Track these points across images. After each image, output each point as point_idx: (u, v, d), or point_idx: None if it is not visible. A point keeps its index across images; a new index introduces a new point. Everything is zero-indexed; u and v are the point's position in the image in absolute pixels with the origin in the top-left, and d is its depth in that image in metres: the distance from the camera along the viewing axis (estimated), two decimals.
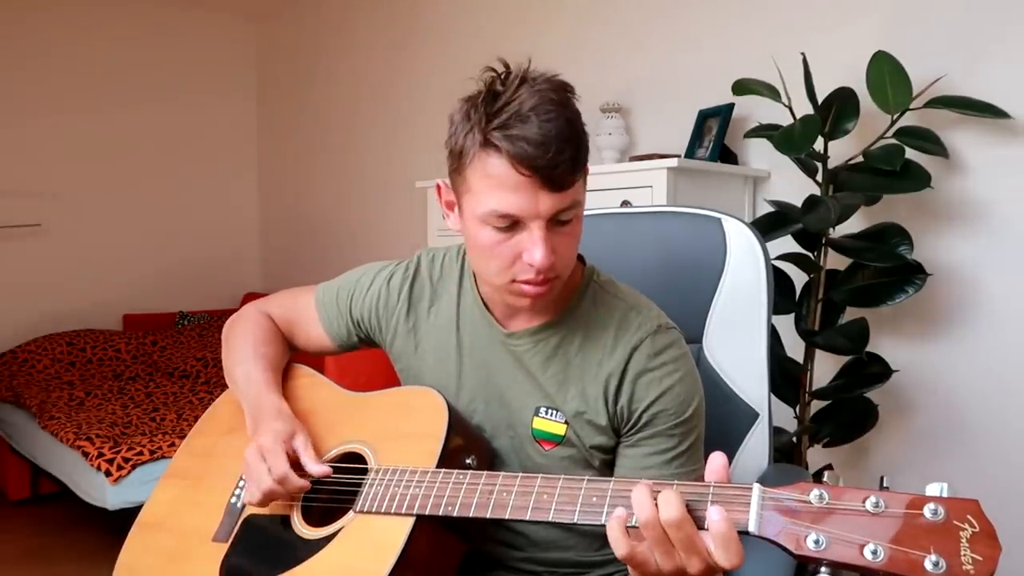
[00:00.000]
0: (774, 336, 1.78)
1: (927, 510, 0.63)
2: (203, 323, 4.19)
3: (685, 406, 0.99)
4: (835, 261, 1.86)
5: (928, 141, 1.74)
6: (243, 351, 1.18)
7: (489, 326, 1.07)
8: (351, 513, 0.96)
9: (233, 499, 1.08)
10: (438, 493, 0.90)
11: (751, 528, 0.69)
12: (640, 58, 2.54)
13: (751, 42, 2.23)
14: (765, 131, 1.89)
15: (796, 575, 0.97)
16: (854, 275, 1.83)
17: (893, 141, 1.75)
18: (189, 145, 4.40)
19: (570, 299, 1.05)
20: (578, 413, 1.01)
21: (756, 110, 2.16)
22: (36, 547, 2.91)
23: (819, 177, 1.87)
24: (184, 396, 3.40)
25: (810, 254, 1.87)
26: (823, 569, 0.65)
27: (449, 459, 0.95)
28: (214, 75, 4.49)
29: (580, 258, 1.07)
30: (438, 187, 1.04)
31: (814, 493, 0.67)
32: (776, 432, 1.66)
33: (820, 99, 1.85)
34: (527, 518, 0.84)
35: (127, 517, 1.19)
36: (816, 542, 0.65)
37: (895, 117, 1.75)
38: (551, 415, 1.02)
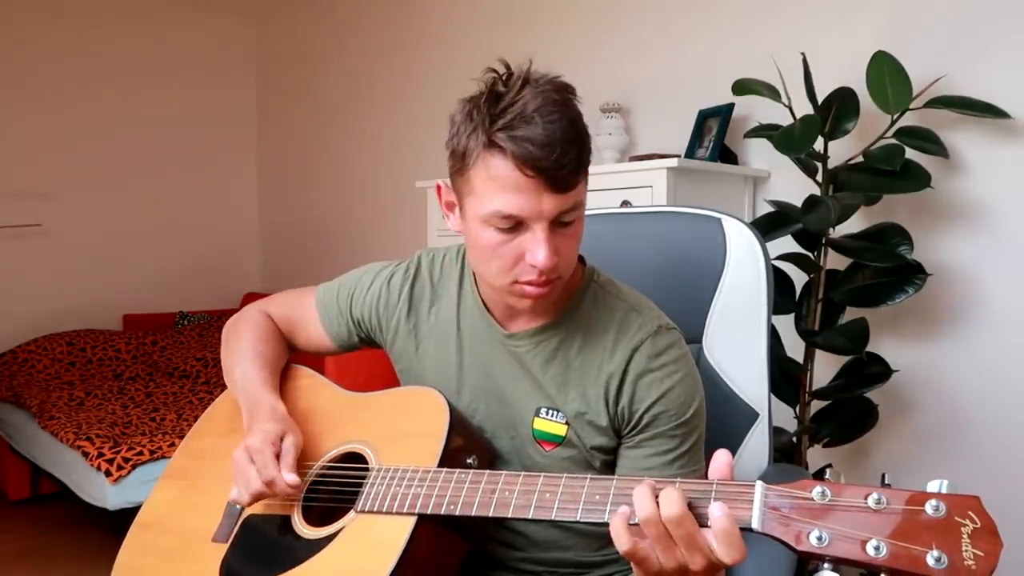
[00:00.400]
0: (774, 336, 1.78)
1: (929, 506, 0.63)
2: (203, 323, 4.19)
3: (686, 407, 0.99)
4: (835, 261, 1.86)
5: (928, 141, 1.74)
6: (242, 351, 1.18)
7: (489, 327, 1.07)
8: (352, 513, 0.96)
9: None
10: (440, 492, 0.90)
11: (754, 524, 0.69)
12: (640, 58, 2.55)
13: (751, 42, 2.23)
14: (765, 131, 1.89)
15: (798, 571, 0.97)
16: (854, 275, 1.83)
17: (893, 141, 1.75)
18: (189, 145, 4.40)
19: (570, 300, 1.05)
20: (579, 414, 1.01)
21: (756, 110, 2.16)
22: (36, 547, 2.91)
23: (819, 177, 1.87)
24: (184, 396, 3.40)
25: (810, 254, 1.87)
26: (825, 565, 0.65)
27: (450, 459, 0.95)
28: (214, 75, 4.49)
29: (580, 258, 1.07)
30: (438, 188, 1.03)
31: (816, 490, 0.68)
32: (776, 432, 1.66)
33: (820, 99, 1.85)
34: (530, 517, 0.84)
35: (127, 517, 1.18)
36: (819, 538, 0.65)
37: (895, 117, 1.76)
38: (552, 416, 1.02)
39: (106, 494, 2.50)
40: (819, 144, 1.83)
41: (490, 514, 0.86)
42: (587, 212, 1.07)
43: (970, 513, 0.62)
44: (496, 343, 1.06)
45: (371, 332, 1.18)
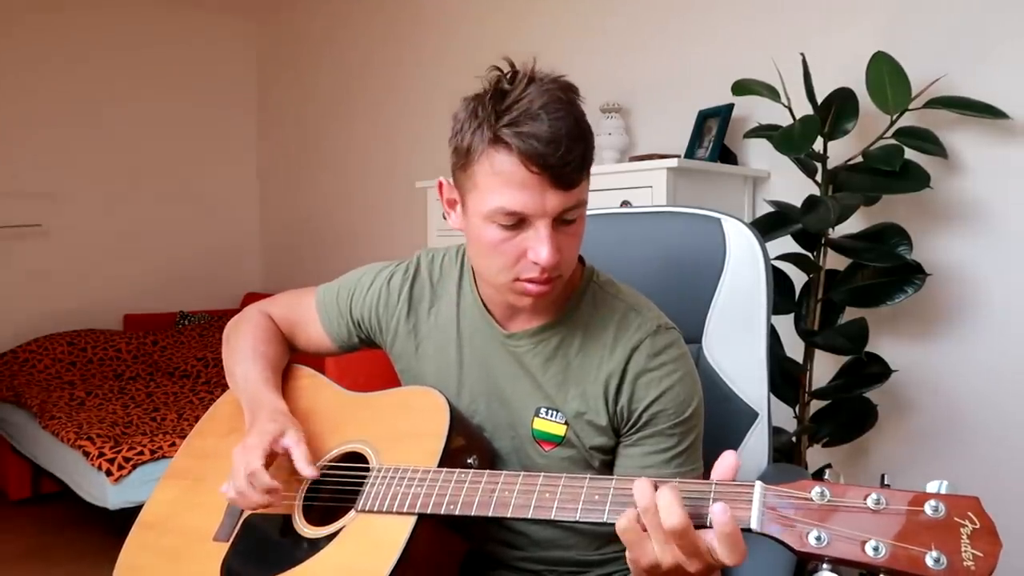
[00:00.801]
0: (774, 336, 1.78)
1: (928, 507, 0.63)
2: (203, 323, 4.19)
3: (685, 406, 0.99)
4: (835, 261, 1.87)
5: (927, 141, 1.75)
6: (243, 351, 1.18)
7: (489, 327, 1.07)
8: (352, 512, 0.96)
9: None
10: (440, 492, 0.90)
11: (753, 525, 0.69)
12: (640, 58, 2.55)
13: (751, 42, 2.23)
14: (765, 131, 1.89)
15: (797, 572, 0.97)
16: (854, 275, 1.83)
17: (892, 141, 1.75)
18: (189, 145, 4.40)
19: (569, 300, 1.05)
20: (578, 414, 1.01)
21: (756, 110, 2.17)
22: (37, 547, 2.91)
23: (819, 177, 1.87)
24: (184, 396, 3.41)
25: (810, 254, 1.88)
26: (825, 565, 0.65)
27: (451, 459, 0.95)
28: (214, 75, 4.49)
29: (579, 258, 1.07)
30: (440, 185, 1.03)
31: (815, 490, 0.68)
32: (776, 432, 1.66)
33: (820, 99, 1.85)
34: (529, 517, 0.84)
35: (128, 517, 1.19)
36: (818, 538, 0.65)
37: (894, 117, 1.76)
38: (551, 416, 1.02)
39: (107, 494, 2.51)
40: (819, 144, 1.84)
41: (490, 514, 0.86)
42: (587, 212, 1.07)
43: (969, 514, 0.62)
44: (496, 343, 1.06)
45: (371, 333, 1.18)
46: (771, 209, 1.91)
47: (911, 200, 1.87)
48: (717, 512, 0.70)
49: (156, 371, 3.82)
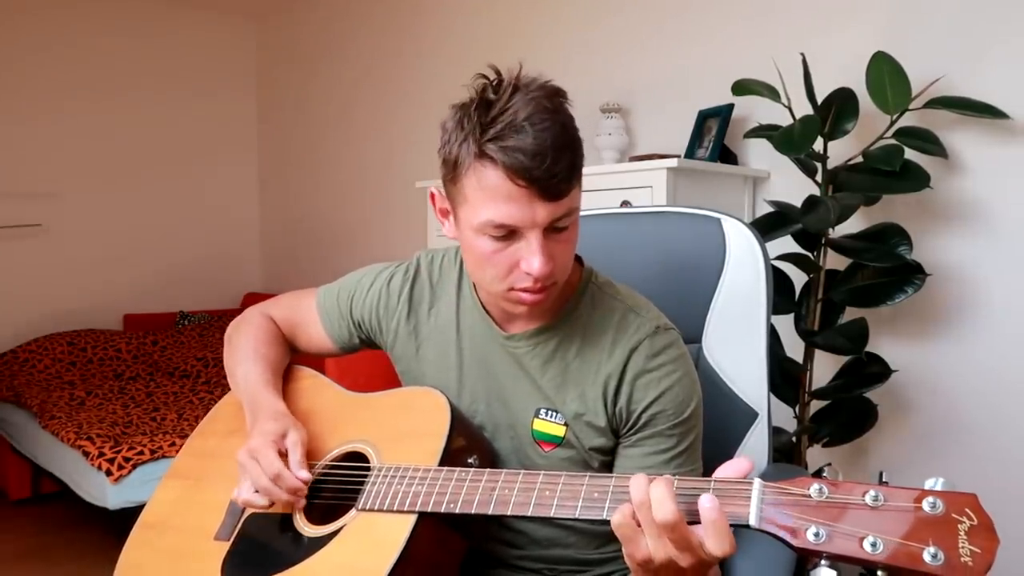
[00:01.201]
0: (774, 336, 1.78)
1: (926, 503, 0.63)
2: (203, 323, 4.19)
3: (684, 406, 0.99)
4: (835, 261, 1.87)
5: (927, 141, 1.75)
6: (244, 352, 1.19)
7: (488, 328, 1.07)
8: (353, 511, 0.96)
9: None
10: (440, 491, 0.90)
11: (751, 521, 0.69)
12: (640, 58, 2.55)
13: (751, 42, 2.23)
14: (765, 131, 1.90)
15: (797, 569, 0.97)
16: (854, 275, 1.84)
17: (892, 141, 1.75)
18: (189, 145, 4.40)
19: (568, 301, 1.05)
20: (577, 415, 1.01)
21: (756, 110, 2.17)
22: (37, 547, 2.91)
23: (819, 177, 1.87)
24: (184, 396, 3.41)
25: (810, 254, 1.88)
26: (823, 562, 0.65)
27: (451, 459, 0.95)
28: (214, 75, 4.50)
29: (578, 259, 1.07)
30: (432, 195, 1.04)
31: (814, 487, 0.68)
32: (776, 432, 1.66)
33: (820, 99, 1.85)
34: (529, 514, 0.84)
35: (128, 517, 1.19)
36: (816, 535, 0.65)
37: (894, 117, 1.76)
38: (551, 416, 1.02)
39: (106, 494, 2.51)
40: (819, 144, 1.84)
41: (490, 512, 0.86)
42: (587, 212, 1.08)
43: (967, 510, 0.62)
44: (495, 344, 1.07)
45: (371, 334, 1.19)
46: (771, 209, 1.91)
47: (911, 200, 1.88)
48: (703, 501, 0.70)
49: (156, 371, 3.82)
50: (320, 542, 0.95)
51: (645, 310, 1.04)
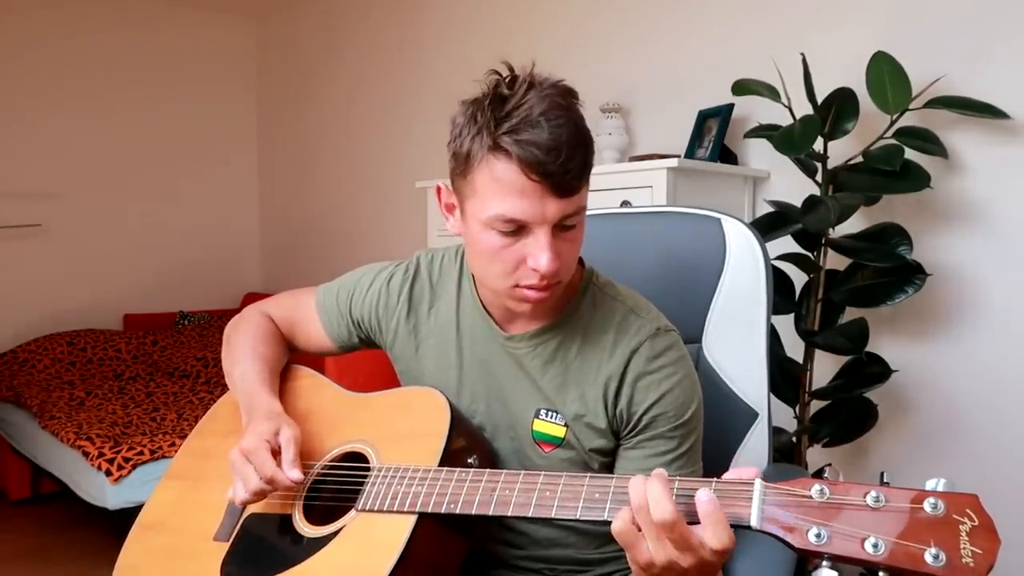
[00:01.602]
0: (774, 336, 1.78)
1: (927, 504, 0.63)
2: (203, 323, 4.19)
3: (684, 408, 0.99)
4: (835, 261, 1.87)
5: (927, 141, 1.75)
6: (241, 351, 1.18)
7: (488, 328, 1.07)
8: (353, 511, 0.96)
9: None
10: (440, 491, 0.90)
11: (753, 522, 0.69)
12: (640, 58, 2.55)
13: (751, 42, 2.23)
14: (765, 131, 1.90)
15: (798, 570, 0.97)
16: (854, 275, 1.84)
17: (893, 141, 1.75)
18: (189, 145, 4.40)
19: (569, 302, 1.05)
20: (578, 416, 1.01)
21: (756, 110, 2.17)
22: (36, 547, 2.91)
23: (819, 177, 1.87)
24: (184, 396, 3.41)
25: (810, 254, 1.88)
26: (824, 563, 0.65)
27: (451, 459, 0.95)
28: (214, 75, 4.49)
29: (579, 260, 1.07)
30: (438, 189, 1.03)
31: (815, 488, 0.68)
32: (776, 432, 1.66)
33: (820, 99, 1.85)
34: (530, 515, 0.84)
35: (127, 517, 1.19)
36: (817, 536, 0.65)
37: (895, 117, 1.76)
38: (551, 417, 1.02)
39: (106, 494, 2.51)
40: (819, 144, 1.84)
41: (490, 512, 0.86)
42: (587, 212, 1.07)
43: (968, 511, 0.62)
44: (495, 344, 1.06)
45: (371, 333, 1.18)
46: (771, 209, 1.91)
47: (911, 200, 1.87)
48: (700, 495, 0.70)
49: (156, 371, 3.82)
50: (320, 543, 0.95)
51: (646, 311, 1.04)
